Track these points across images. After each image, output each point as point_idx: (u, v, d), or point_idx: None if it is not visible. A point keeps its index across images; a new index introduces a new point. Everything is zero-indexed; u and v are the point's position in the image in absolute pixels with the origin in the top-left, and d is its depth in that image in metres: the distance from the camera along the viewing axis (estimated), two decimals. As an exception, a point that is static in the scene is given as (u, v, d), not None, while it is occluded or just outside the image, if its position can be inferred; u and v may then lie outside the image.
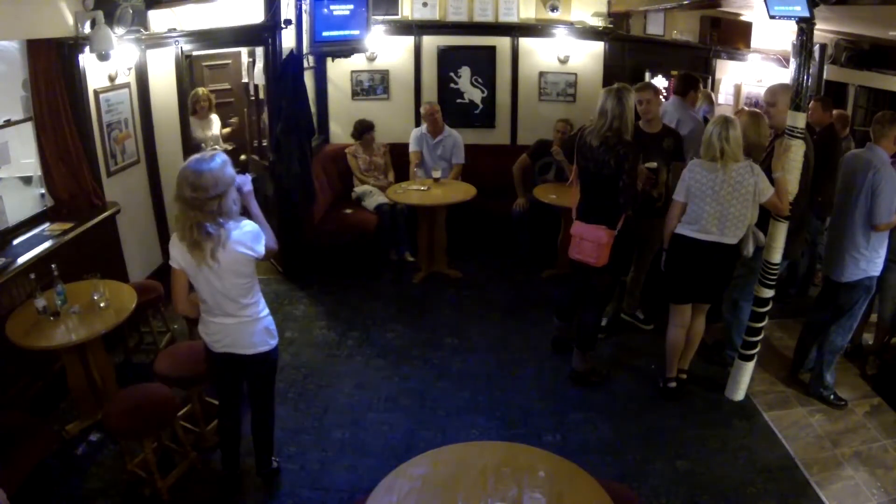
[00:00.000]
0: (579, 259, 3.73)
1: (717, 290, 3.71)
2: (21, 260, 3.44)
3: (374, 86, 6.47)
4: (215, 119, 6.23)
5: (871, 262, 3.52)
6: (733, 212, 3.36)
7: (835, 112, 4.93)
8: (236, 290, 2.61)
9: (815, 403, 3.79)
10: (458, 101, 6.49)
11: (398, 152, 5.98)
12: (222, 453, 3.05)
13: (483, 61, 6.41)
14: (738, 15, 6.41)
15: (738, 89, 6.90)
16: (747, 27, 6.71)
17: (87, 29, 3.84)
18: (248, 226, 2.58)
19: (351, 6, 5.27)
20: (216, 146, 5.88)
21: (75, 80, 3.92)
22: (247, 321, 2.69)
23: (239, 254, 2.52)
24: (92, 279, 3.42)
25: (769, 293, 3.57)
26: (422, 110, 5.75)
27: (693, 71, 6.34)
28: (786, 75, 4.55)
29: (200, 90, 6.15)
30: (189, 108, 5.57)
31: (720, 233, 3.41)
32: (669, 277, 3.72)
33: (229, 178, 2.48)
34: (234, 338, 2.71)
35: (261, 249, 2.59)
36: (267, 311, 2.79)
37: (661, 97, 4.42)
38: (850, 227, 3.51)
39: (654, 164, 4.00)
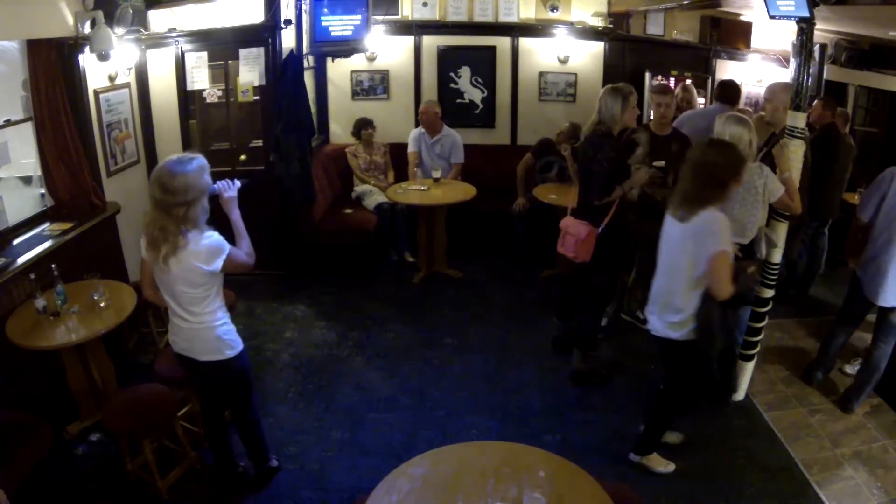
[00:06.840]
0: (563, 253, 3.77)
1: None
2: (21, 260, 3.44)
3: (374, 86, 6.46)
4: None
5: None
6: (750, 210, 3.31)
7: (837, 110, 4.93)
8: (185, 298, 2.55)
9: (815, 403, 3.79)
10: (458, 101, 6.48)
11: (398, 152, 5.97)
12: (213, 454, 3.05)
13: (483, 61, 6.40)
14: (738, 15, 6.40)
15: (737, 89, 6.90)
16: (747, 27, 6.70)
17: (87, 29, 3.84)
18: (210, 238, 2.49)
19: (351, 6, 5.27)
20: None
21: (75, 80, 3.92)
22: (199, 327, 2.61)
23: (191, 265, 2.46)
24: (92, 279, 3.43)
25: (769, 293, 3.57)
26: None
27: (693, 71, 6.36)
28: (786, 75, 4.55)
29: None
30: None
31: (740, 234, 3.36)
32: None
33: (203, 185, 2.45)
34: (189, 342, 2.66)
35: (217, 265, 2.50)
36: (224, 321, 2.68)
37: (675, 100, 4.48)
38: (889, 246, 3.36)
39: (661, 163, 4.00)
